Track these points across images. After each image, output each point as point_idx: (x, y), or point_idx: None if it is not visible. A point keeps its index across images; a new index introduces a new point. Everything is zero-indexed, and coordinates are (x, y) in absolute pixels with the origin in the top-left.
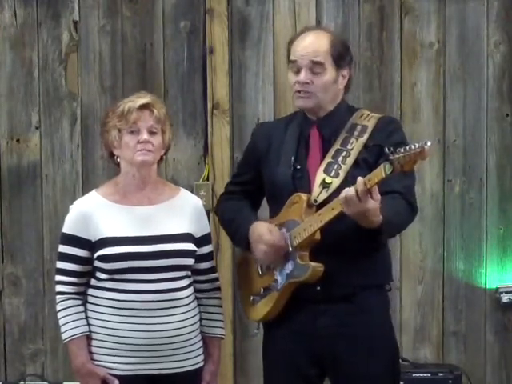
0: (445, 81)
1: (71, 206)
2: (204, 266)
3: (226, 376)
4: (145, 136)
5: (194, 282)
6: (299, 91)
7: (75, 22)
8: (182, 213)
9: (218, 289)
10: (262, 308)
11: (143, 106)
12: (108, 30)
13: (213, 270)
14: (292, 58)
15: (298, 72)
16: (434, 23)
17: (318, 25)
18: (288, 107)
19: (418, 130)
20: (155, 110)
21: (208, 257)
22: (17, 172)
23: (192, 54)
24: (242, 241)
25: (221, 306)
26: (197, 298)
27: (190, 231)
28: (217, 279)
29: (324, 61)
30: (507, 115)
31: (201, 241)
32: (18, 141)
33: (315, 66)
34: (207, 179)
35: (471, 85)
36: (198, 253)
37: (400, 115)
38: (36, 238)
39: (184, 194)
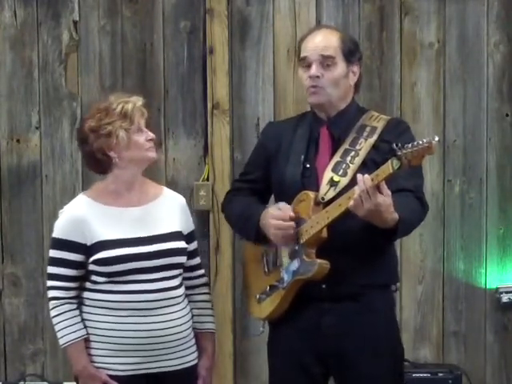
0: (445, 81)
1: (61, 211)
2: (192, 262)
3: (226, 376)
4: (151, 134)
5: (184, 279)
6: (311, 87)
7: (75, 22)
8: (171, 211)
9: (206, 284)
10: (268, 306)
11: (140, 106)
12: (108, 29)
13: (200, 266)
14: (302, 54)
15: (308, 67)
16: (434, 23)
17: (325, 24)
18: (288, 107)
19: (418, 130)
20: (145, 111)
21: (195, 253)
22: (17, 172)
23: (192, 54)
24: (251, 231)
25: (210, 301)
26: (187, 295)
27: (179, 229)
28: (204, 275)
29: (335, 55)
30: (507, 115)
31: (188, 238)
32: (18, 141)
33: (326, 60)
34: (207, 179)
35: (471, 85)
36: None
37: (400, 115)
38: (36, 238)
39: (167, 192)
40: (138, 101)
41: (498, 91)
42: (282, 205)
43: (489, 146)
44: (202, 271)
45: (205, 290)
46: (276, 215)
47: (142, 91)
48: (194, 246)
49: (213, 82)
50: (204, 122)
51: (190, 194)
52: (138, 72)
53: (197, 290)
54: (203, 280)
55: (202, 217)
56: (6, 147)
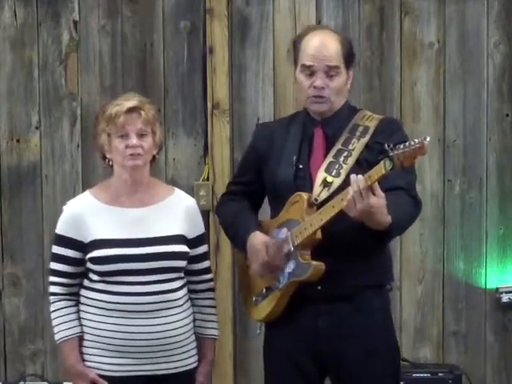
0: (445, 81)
1: (64, 207)
2: (198, 266)
3: (226, 376)
4: (134, 141)
5: (188, 282)
6: (315, 96)
7: (75, 22)
8: (175, 214)
9: (212, 289)
10: (265, 308)
11: (131, 109)
12: (108, 30)
13: (207, 270)
14: (306, 62)
15: (311, 75)
16: (434, 23)
17: (320, 25)
18: (288, 107)
19: (418, 130)
20: (143, 112)
21: (202, 257)
22: (17, 172)
23: (192, 54)
24: (239, 247)
25: (215, 307)
26: (191, 299)
27: (182, 233)
28: (211, 280)
29: (339, 64)
30: (507, 115)
31: (194, 242)
32: (18, 141)
33: (331, 70)
34: (207, 179)
35: (471, 85)
36: (191, 254)
37: (400, 115)
38: (36, 238)
39: (177, 194)
40: (130, 104)
41: (498, 91)
42: (270, 244)
43: (489, 146)
44: (208, 276)
45: (210, 295)
46: (266, 262)
47: (142, 91)
48: (201, 250)
49: (213, 82)
50: (204, 122)
51: (189, 194)
52: (138, 72)
53: (201, 295)
54: (209, 285)
55: (201, 217)
56: (6, 147)
